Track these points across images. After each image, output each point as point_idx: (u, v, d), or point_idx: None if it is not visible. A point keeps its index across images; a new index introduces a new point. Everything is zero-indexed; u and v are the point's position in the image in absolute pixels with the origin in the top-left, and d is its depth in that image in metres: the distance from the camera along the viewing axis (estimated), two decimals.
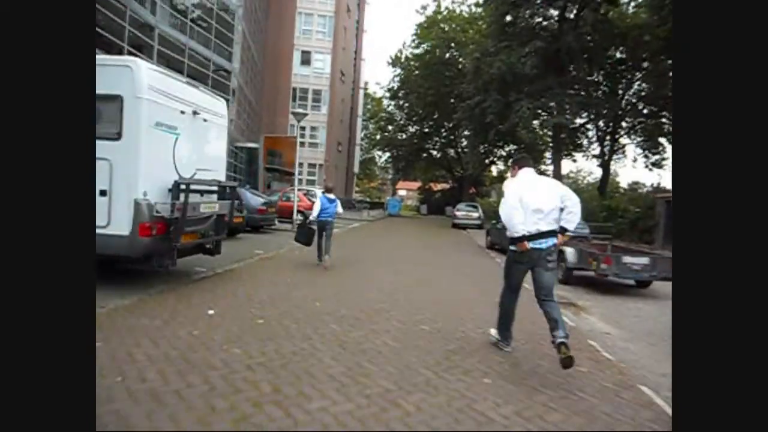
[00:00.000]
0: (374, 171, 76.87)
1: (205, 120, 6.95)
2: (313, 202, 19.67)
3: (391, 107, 49.34)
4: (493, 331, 4.69)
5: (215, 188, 7.08)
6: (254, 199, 14.48)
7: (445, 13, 37.92)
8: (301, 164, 36.41)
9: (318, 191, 24.27)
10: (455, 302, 6.70)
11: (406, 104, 45.31)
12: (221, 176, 7.58)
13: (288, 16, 36.39)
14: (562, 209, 4.18)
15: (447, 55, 36.90)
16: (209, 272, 7.67)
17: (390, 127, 49.68)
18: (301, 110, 16.66)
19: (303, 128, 36.63)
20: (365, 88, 57.31)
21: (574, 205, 4.16)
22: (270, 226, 15.59)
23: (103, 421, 2.54)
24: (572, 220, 4.15)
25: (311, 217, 9.00)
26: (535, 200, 4.15)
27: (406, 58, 42.71)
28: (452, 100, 35.41)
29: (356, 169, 51.42)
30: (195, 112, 6.64)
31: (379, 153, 63.97)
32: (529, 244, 4.12)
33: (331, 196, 9.25)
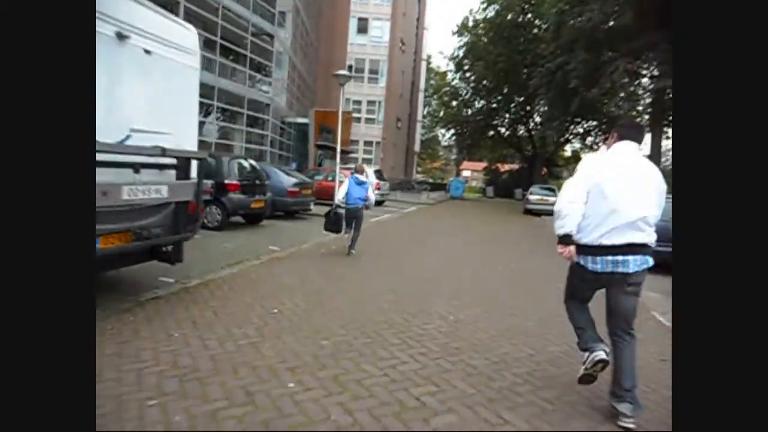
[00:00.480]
0: (437, 150, 73.50)
1: (147, 52, 4.35)
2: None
3: (455, 81, 45.42)
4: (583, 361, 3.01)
5: (167, 161, 4.49)
6: (284, 179, 12.01)
7: None
8: (356, 141, 33.94)
9: (370, 170, 21.67)
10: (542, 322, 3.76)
11: (473, 76, 41.30)
12: (187, 143, 4.99)
13: None
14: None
15: (520, 18, 32.52)
16: (176, 286, 5.21)
17: (454, 103, 45.88)
18: (344, 72, 13.86)
19: (359, 103, 34.06)
20: (428, 61, 53.65)
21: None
22: (305, 210, 13.11)
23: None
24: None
25: (336, 201, 7.83)
26: (622, 196, 2.67)
27: (474, 22, 38.69)
28: (525, 70, 31.21)
29: (417, 148, 48.32)
30: (121, 35, 4.04)
31: (442, 131, 60.50)
32: (592, 264, 2.76)
33: (362, 177, 7.83)
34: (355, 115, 33.69)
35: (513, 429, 2.68)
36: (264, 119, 20.88)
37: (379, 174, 20.63)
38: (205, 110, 19.63)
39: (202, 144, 19.62)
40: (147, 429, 2.40)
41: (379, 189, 19.70)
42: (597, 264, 2.74)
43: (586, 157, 3.04)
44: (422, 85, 47.21)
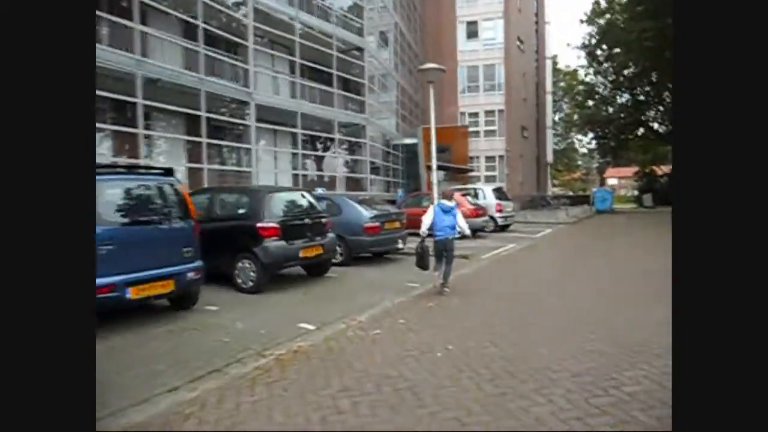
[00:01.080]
0: (575, 159, 65.93)
1: None
2: (477, 207, 13.49)
3: (589, 76, 39.24)
4: None
5: None
6: (358, 213, 9.03)
7: None
8: (475, 158, 30.20)
9: (486, 188, 17.83)
10: None
11: (610, 66, 35.05)
12: None
13: None
14: None
15: None
16: None
17: (590, 102, 39.65)
18: (434, 65, 10.63)
19: (475, 115, 30.43)
20: (554, 61, 47.93)
21: None
22: (396, 251, 9.91)
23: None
24: None
25: (421, 232, 6.71)
26: None
27: (608, 2, 32.95)
28: None
29: (550, 159, 42.60)
30: None
31: (579, 137, 53.48)
32: None
33: (449, 203, 6.67)
34: (472, 129, 30.09)
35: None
36: (362, 143, 18.48)
37: (499, 193, 16.68)
38: (323, 145, 18.16)
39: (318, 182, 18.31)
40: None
41: (500, 211, 15.80)
42: None
43: None
44: (549, 86, 41.76)
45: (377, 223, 9.08)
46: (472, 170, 29.45)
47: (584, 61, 37.85)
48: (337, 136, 16.43)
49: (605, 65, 35.38)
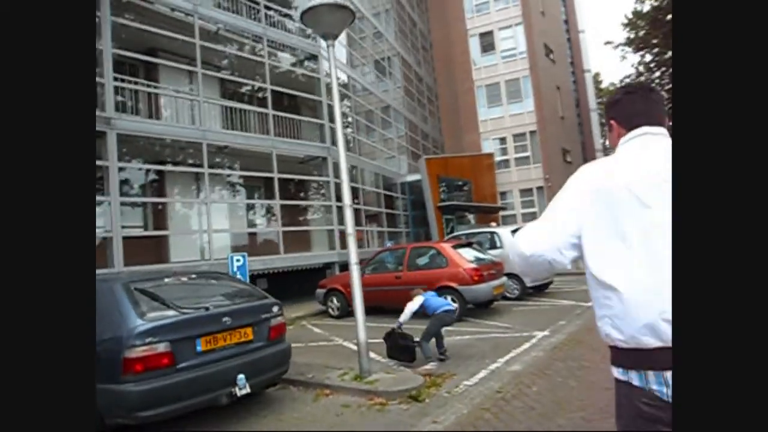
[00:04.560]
0: None
1: None
2: (483, 265, 8.20)
3: (642, 78, 32.99)
4: None
5: None
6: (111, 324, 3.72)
7: None
8: (508, 192, 24.45)
9: (504, 232, 12.08)
10: None
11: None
12: None
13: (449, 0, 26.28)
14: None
15: None
16: None
17: None
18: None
19: (502, 140, 24.94)
20: (596, 78, 42.00)
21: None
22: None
23: None
24: None
25: (400, 320, 5.63)
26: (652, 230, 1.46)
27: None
28: None
29: None
30: None
31: None
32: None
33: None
34: (500, 158, 24.52)
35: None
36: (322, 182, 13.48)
37: None
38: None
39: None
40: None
41: None
42: None
43: (583, 169, 1.69)
44: (593, 103, 35.74)
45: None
46: (503, 208, 23.63)
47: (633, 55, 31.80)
48: (276, 174, 11.42)
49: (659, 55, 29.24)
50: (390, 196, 18.13)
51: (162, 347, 3.60)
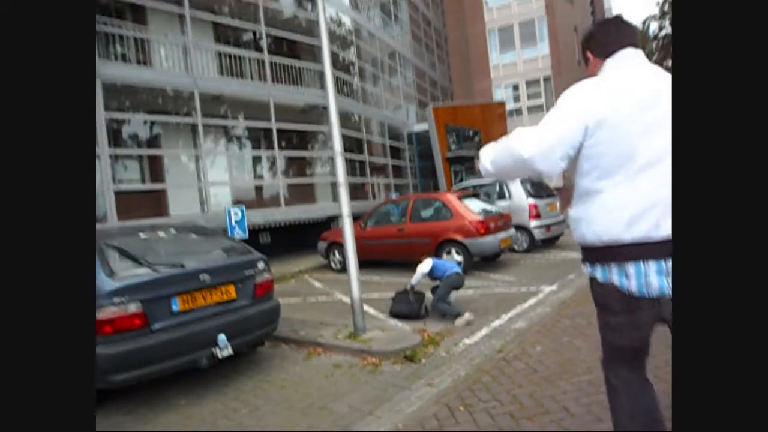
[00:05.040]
0: None
1: None
2: (490, 217, 7.84)
3: (664, 30, 31.08)
4: None
5: None
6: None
7: None
8: None
9: (514, 182, 11.60)
10: None
11: None
12: None
13: None
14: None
15: None
16: None
17: (670, 62, 31.49)
18: None
19: (515, 88, 23.88)
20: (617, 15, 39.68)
21: None
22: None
23: None
24: None
25: (412, 282, 5.51)
26: (647, 137, 1.56)
27: None
28: None
29: None
30: None
31: None
32: (618, 280, 1.65)
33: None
34: (511, 106, 23.56)
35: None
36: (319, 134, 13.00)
37: (536, 188, 10.20)
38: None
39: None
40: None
41: (537, 217, 9.61)
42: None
43: (578, 85, 1.76)
44: None
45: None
46: None
47: (656, 11, 29.94)
48: (274, 124, 10.96)
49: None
50: (397, 147, 17.57)
51: (133, 308, 3.33)
